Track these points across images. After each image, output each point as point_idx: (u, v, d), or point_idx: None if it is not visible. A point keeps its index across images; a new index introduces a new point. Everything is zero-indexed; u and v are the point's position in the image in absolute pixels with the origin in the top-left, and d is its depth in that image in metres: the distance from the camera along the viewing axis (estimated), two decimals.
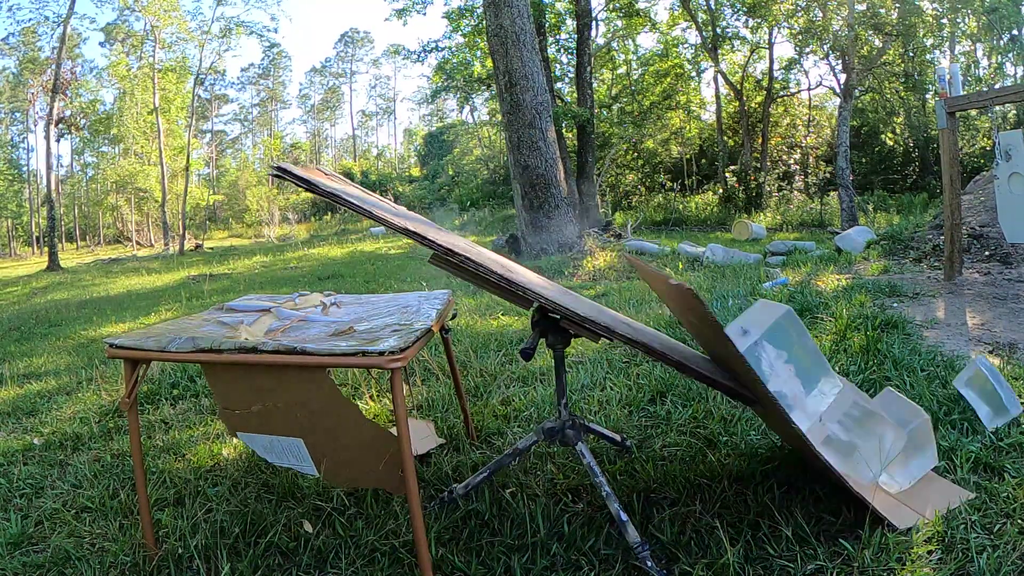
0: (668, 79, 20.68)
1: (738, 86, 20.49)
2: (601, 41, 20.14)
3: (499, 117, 13.59)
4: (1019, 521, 1.64)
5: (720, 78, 20.72)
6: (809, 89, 22.35)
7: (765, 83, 20.78)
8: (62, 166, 34.92)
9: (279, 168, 1.41)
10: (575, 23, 15.87)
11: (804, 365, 1.94)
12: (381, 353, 1.44)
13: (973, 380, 2.25)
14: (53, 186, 20.44)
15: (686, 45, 21.17)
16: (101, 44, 36.02)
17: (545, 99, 9.14)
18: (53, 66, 21.08)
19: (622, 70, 22.56)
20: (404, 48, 38.20)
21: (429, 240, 1.45)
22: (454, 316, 2.46)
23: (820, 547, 1.60)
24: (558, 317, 1.67)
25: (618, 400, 2.68)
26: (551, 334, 1.72)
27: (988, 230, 5.75)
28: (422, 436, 2.42)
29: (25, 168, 33.41)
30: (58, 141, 28.34)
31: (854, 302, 3.98)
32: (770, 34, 19.62)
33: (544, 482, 2.04)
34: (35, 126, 31.97)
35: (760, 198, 18.54)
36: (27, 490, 2.27)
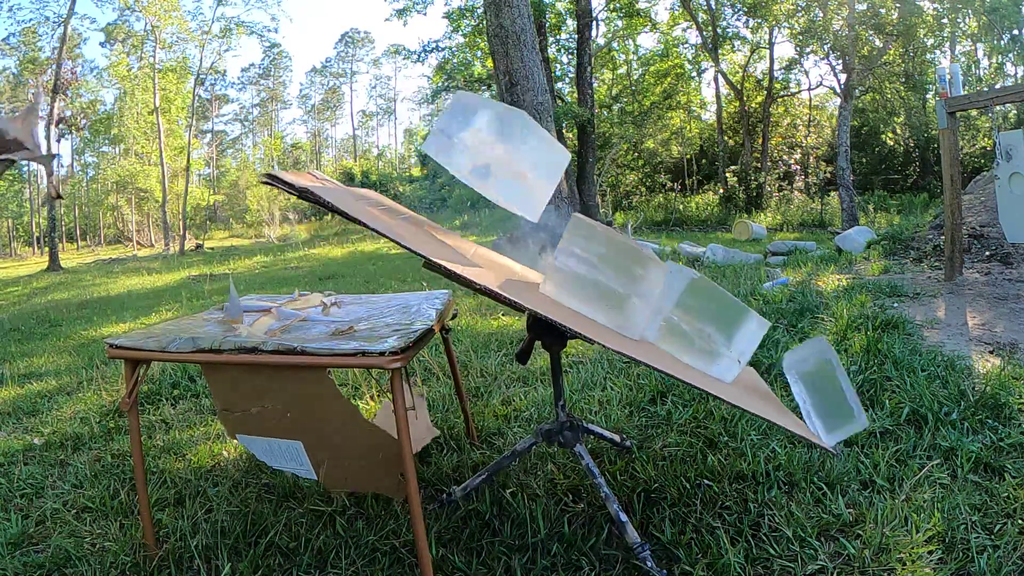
0: (668, 79, 20.70)
1: (738, 86, 20.49)
2: (601, 41, 20.15)
3: None
4: (1019, 521, 1.64)
5: (720, 78, 20.73)
6: (809, 89, 22.38)
7: (765, 83, 20.79)
8: (62, 166, 34.95)
9: (269, 175, 1.40)
10: (575, 23, 15.89)
11: (508, 127, 1.54)
12: (381, 353, 1.44)
13: (813, 375, 1.69)
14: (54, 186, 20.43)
15: (686, 45, 21.21)
16: (101, 44, 36.03)
17: (546, 99, 9.14)
18: (53, 66, 21.09)
19: (622, 70, 22.58)
20: (404, 48, 38.21)
21: (419, 253, 1.42)
22: (455, 316, 2.46)
23: (821, 547, 1.60)
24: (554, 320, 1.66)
25: (618, 400, 2.67)
26: (546, 337, 1.71)
27: (989, 230, 5.75)
28: (418, 421, 2.41)
29: (25, 168, 33.41)
30: (59, 141, 28.33)
31: (855, 302, 3.98)
32: (770, 34, 19.64)
33: (544, 482, 2.04)
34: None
35: (760, 198, 18.55)
36: (27, 490, 2.27)
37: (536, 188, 1.53)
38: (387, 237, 1.42)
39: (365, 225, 1.42)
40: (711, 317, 1.52)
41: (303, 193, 1.40)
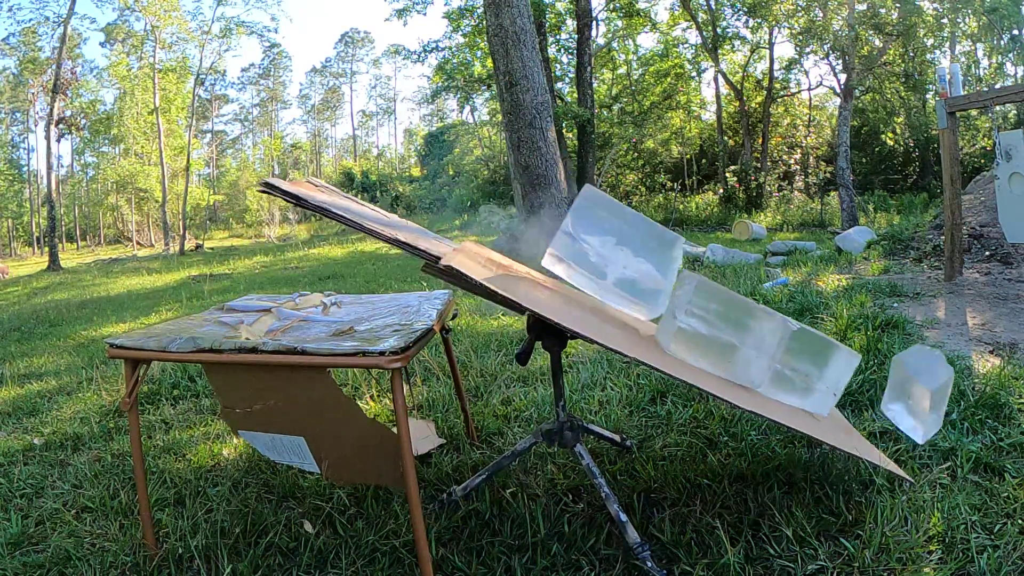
0: (668, 79, 20.69)
1: (738, 86, 20.48)
2: (601, 41, 20.15)
3: (499, 117, 13.60)
4: (1020, 521, 1.64)
5: (720, 78, 20.71)
6: (809, 89, 22.37)
7: (765, 83, 20.77)
8: (62, 166, 34.95)
9: (266, 183, 1.42)
10: (575, 23, 15.90)
11: (643, 240, 1.67)
12: (381, 353, 1.44)
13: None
14: (53, 186, 20.45)
15: (686, 45, 21.19)
16: (101, 44, 36.09)
17: (545, 99, 9.14)
18: (53, 66, 21.10)
19: (622, 70, 22.57)
20: (404, 48, 38.29)
21: (420, 250, 1.45)
22: (455, 316, 2.46)
23: (821, 547, 1.60)
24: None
25: (618, 400, 2.67)
26: (546, 337, 1.71)
27: (988, 230, 5.75)
28: (422, 436, 2.42)
29: (25, 168, 33.46)
30: (58, 141, 28.37)
31: (855, 302, 3.98)
32: (770, 34, 19.62)
33: (544, 482, 2.04)
34: (35, 126, 32.03)
35: (760, 198, 18.53)
36: (27, 490, 2.27)
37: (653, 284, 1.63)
38: (388, 240, 1.42)
39: (365, 230, 1.43)
40: (808, 357, 1.63)
41: (300, 201, 1.41)
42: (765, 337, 1.60)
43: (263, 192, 1.43)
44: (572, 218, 1.63)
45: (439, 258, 1.43)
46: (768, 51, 20.52)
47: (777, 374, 1.60)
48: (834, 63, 16.33)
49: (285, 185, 1.44)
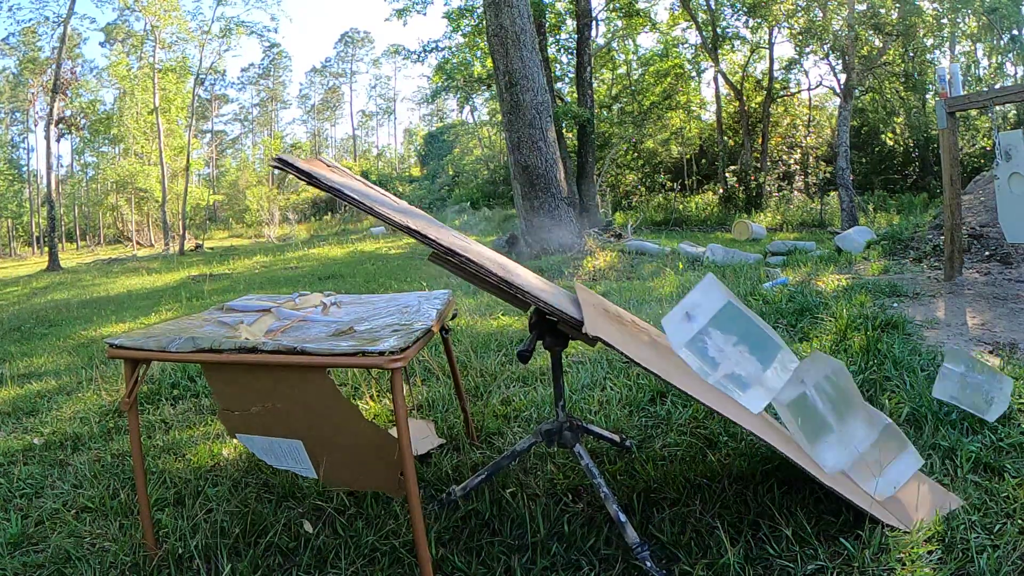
0: (668, 79, 20.67)
1: (738, 86, 20.48)
2: (601, 41, 20.14)
3: (499, 117, 13.61)
4: (1019, 521, 1.64)
5: (720, 78, 20.71)
6: (809, 89, 22.36)
7: (765, 83, 20.77)
8: (62, 166, 34.91)
9: (280, 160, 1.41)
10: (575, 23, 15.87)
11: (757, 343, 1.80)
12: (381, 353, 1.44)
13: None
14: (53, 186, 20.44)
15: (686, 45, 21.18)
16: (101, 44, 36.10)
17: (545, 99, 9.14)
18: (53, 66, 21.10)
19: (622, 70, 22.56)
20: (404, 48, 38.21)
21: (430, 239, 1.45)
22: (454, 316, 2.46)
23: (820, 547, 1.60)
24: (556, 320, 1.67)
25: (618, 400, 2.67)
26: (548, 336, 1.71)
27: (988, 230, 5.75)
28: (422, 436, 2.42)
29: (25, 168, 33.45)
30: (58, 141, 28.33)
31: (854, 302, 3.98)
32: (770, 34, 19.62)
33: (544, 482, 2.04)
34: (35, 126, 32.02)
35: (760, 198, 18.54)
36: (27, 490, 2.27)
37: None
38: (399, 226, 1.43)
39: (377, 214, 1.43)
40: (882, 449, 1.77)
41: (312, 181, 1.41)
42: (857, 432, 1.74)
43: (276, 168, 1.40)
44: (700, 312, 1.78)
45: (446, 247, 1.45)
46: (768, 51, 20.53)
47: (858, 460, 1.74)
48: (834, 63, 16.34)
49: (299, 162, 1.42)
